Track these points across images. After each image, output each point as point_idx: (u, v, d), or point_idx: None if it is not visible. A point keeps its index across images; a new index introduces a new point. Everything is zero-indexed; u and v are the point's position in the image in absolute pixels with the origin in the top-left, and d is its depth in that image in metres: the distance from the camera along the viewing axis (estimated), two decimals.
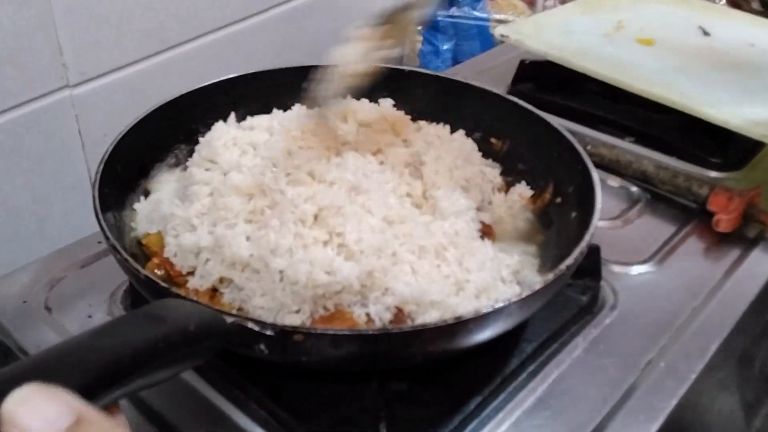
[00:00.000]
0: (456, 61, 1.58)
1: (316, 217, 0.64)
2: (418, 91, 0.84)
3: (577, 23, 1.15)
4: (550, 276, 0.58)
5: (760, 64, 1.05)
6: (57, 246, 0.82)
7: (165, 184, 0.76)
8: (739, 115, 0.90)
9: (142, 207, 0.73)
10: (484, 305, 0.58)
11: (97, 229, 0.61)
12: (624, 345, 0.70)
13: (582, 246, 0.61)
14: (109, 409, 0.40)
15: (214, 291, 0.65)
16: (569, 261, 0.60)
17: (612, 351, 0.69)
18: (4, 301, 0.74)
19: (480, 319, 0.55)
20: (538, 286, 0.57)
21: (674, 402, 0.65)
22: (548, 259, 0.72)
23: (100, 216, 0.61)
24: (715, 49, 1.09)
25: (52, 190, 1.05)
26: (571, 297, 0.73)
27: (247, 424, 0.62)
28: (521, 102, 0.81)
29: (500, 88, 1.06)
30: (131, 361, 0.41)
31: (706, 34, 1.14)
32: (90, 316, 0.72)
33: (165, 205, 0.71)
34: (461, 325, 0.54)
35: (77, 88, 1.02)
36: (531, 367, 0.67)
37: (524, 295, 0.56)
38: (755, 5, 1.39)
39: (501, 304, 0.55)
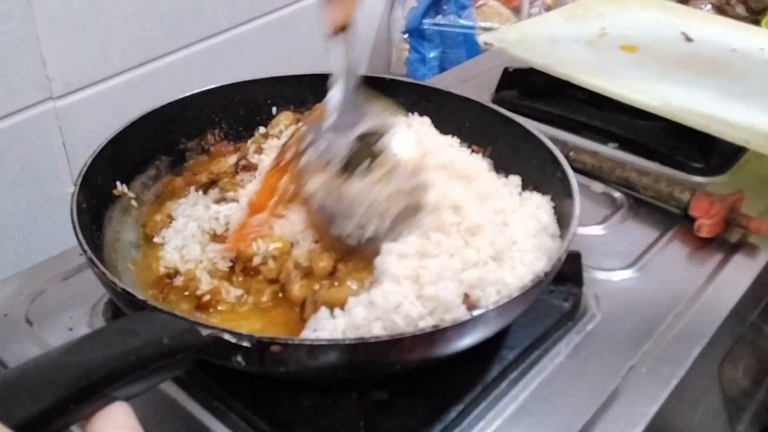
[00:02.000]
0: (443, 68, 1.59)
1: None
2: (399, 100, 0.85)
3: (561, 30, 1.15)
4: (528, 283, 0.58)
5: (742, 69, 1.05)
6: (43, 259, 0.82)
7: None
8: (721, 121, 0.91)
9: None
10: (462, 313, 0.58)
11: None
12: (606, 351, 0.70)
13: (560, 253, 0.61)
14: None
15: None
16: (547, 268, 0.60)
17: (594, 357, 0.69)
18: None
19: (458, 327, 0.55)
20: (516, 293, 0.57)
21: (656, 408, 0.65)
22: None
23: (78, 229, 0.61)
24: (698, 55, 1.10)
25: (37, 202, 1.04)
26: (553, 303, 0.73)
27: None
28: (500, 109, 0.81)
29: (484, 96, 1.08)
30: (102, 376, 0.41)
31: (688, 40, 1.15)
32: (71, 329, 0.72)
33: None
34: (439, 334, 0.54)
35: (61, 100, 1.02)
36: (513, 375, 0.67)
37: (502, 302, 0.56)
38: (740, 10, 1.39)
39: (479, 312, 0.55)
